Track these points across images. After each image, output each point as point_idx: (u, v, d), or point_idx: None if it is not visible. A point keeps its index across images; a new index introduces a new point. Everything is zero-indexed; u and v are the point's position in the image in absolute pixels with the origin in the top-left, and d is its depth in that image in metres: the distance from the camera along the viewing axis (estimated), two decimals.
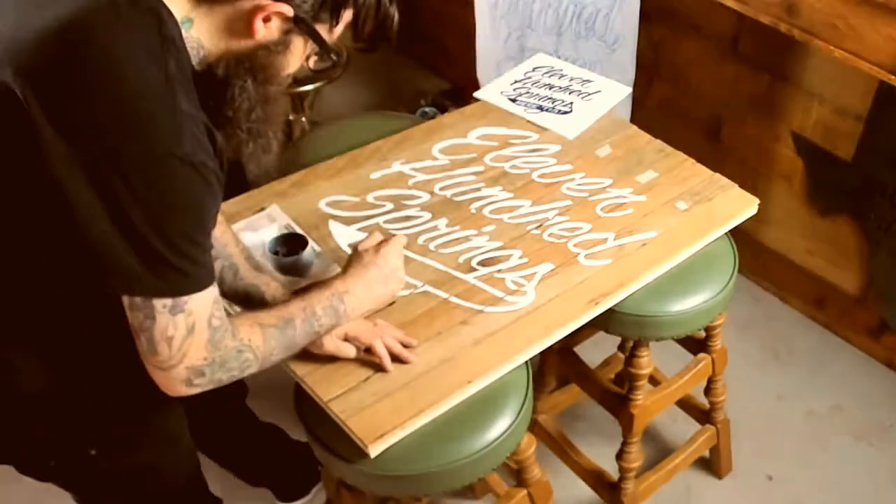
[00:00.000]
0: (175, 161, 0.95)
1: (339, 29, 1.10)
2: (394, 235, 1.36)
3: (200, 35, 1.03)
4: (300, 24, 1.05)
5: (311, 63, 1.15)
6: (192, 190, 0.99)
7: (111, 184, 0.94)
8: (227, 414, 1.75)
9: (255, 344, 1.14)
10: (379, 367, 1.32)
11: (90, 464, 1.27)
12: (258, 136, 1.12)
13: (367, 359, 1.33)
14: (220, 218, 1.36)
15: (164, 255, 0.98)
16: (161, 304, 1.01)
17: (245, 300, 1.36)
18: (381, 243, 1.34)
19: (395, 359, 1.34)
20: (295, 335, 1.20)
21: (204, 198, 1.01)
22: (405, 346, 1.36)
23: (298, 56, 1.11)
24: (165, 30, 0.97)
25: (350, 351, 1.32)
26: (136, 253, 0.97)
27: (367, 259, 1.31)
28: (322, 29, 1.08)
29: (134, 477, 1.36)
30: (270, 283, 1.37)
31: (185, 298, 1.02)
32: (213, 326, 1.07)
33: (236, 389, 1.75)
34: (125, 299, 1.02)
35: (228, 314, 1.12)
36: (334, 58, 1.13)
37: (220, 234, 1.34)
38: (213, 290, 1.06)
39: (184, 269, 1.01)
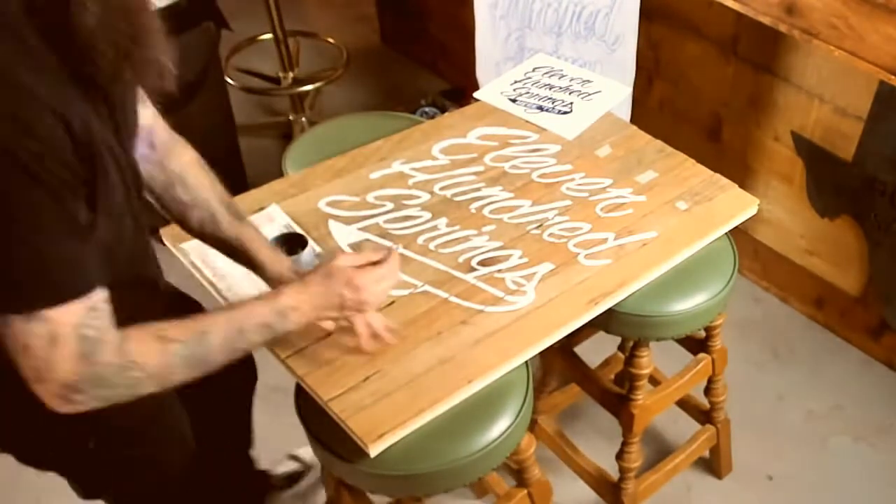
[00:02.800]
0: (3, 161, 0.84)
1: None
2: (380, 260, 1.26)
3: None
4: None
5: None
6: (24, 198, 0.86)
7: None
8: (224, 408, 1.73)
9: (144, 361, 1.02)
10: (381, 366, 1.32)
11: (89, 455, 1.27)
12: (130, 55, 0.95)
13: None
14: (194, 157, 1.28)
15: (5, 271, 0.89)
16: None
17: (229, 251, 1.29)
18: (360, 267, 1.23)
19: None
20: (209, 353, 1.08)
21: (39, 207, 0.88)
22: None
23: None
24: None
25: (327, 322, 1.28)
26: None
27: (335, 281, 1.20)
28: None
29: (133, 469, 1.35)
30: (255, 239, 1.29)
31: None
32: (83, 337, 0.95)
33: (242, 384, 1.73)
34: None
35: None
36: None
37: (193, 177, 1.27)
38: (87, 299, 0.95)
39: (30, 283, 0.90)
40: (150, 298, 1.30)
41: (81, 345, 0.96)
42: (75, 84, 0.94)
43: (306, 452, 2.11)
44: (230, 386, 1.65)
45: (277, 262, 1.32)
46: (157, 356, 1.04)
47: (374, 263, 1.26)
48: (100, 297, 0.98)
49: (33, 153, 0.86)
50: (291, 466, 2.11)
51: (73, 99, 0.93)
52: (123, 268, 1.14)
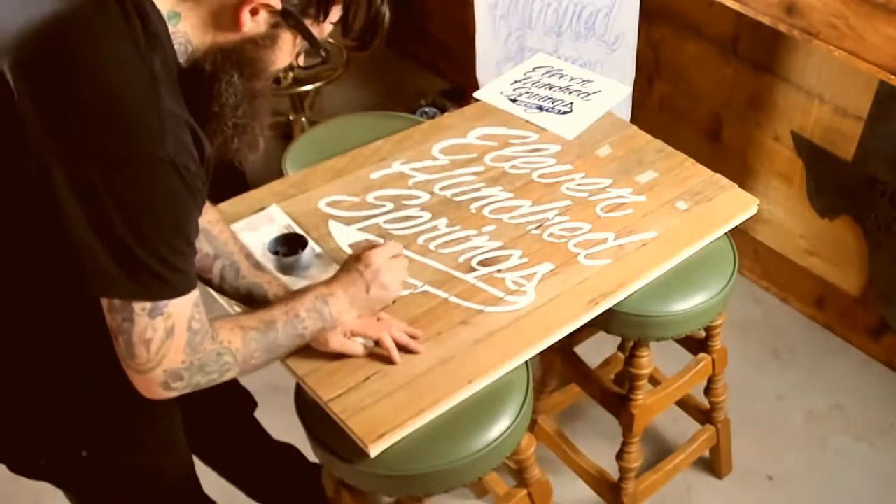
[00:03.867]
0: (156, 162, 0.94)
1: (328, 24, 1.09)
2: (389, 240, 1.36)
3: (187, 29, 1.02)
4: (288, 18, 1.03)
5: (301, 60, 1.14)
6: (173, 192, 0.97)
7: (93, 184, 0.92)
8: (233, 427, 1.74)
9: (234, 347, 1.13)
10: (381, 366, 1.32)
11: (82, 465, 1.27)
12: (244, 132, 1.09)
13: (376, 352, 1.34)
14: (217, 216, 1.35)
15: (143, 260, 0.97)
16: (140, 307, 1.00)
17: (247, 299, 1.35)
18: (369, 248, 1.33)
19: (404, 350, 1.34)
20: (277, 337, 1.19)
21: (184, 201, 0.99)
22: (412, 337, 1.36)
23: (287, 52, 1.09)
24: (151, 27, 0.96)
25: (357, 348, 1.33)
26: (113, 256, 0.96)
27: (350, 264, 1.31)
28: (311, 24, 1.06)
29: (126, 479, 1.36)
30: (272, 282, 1.36)
31: (163, 302, 1.01)
32: (192, 329, 1.05)
33: (242, 401, 1.74)
34: (104, 301, 1.01)
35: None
36: (323, 54, 1.11)
37: (218, 232, 1.34)
38: (193, 294, 1.05)
39: (162, 275, 0.99)
40: None
41: (191, 336, 1.06)
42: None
43: None
44: (229, 410, 1.69)
45: None
46: (241, 343, 1.14)
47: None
48: (198, 293, 1.07)
49: (186, 166, 0.97)
50: None
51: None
52: None
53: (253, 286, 1.35)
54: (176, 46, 1.01)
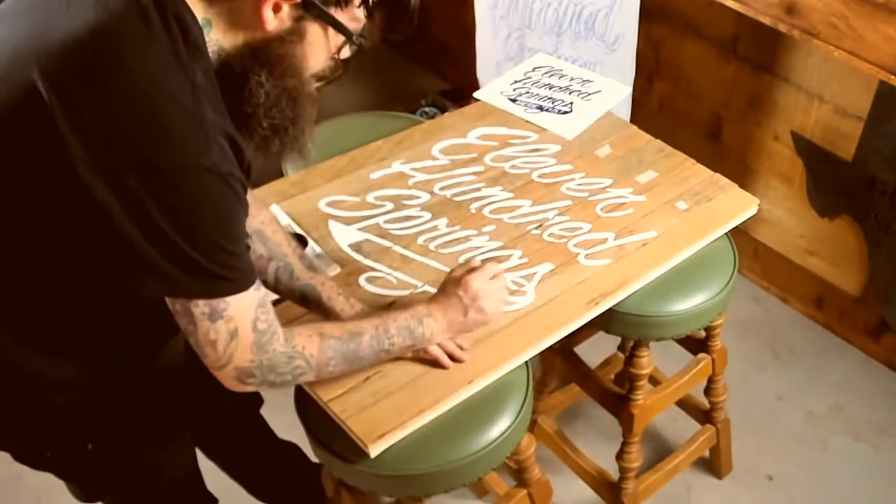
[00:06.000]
0: (202, 172, 0.95)
1: (360, 12, 1.07)
2: (488, 262, 1.36)
3: (218, 35, 1.02)
4: (310, 9, 1.02)
5: (343, 53, 1.13)
6: (220, 200, 0.98)
7: (139, 195, 0.93)
8: (238, 422, 1.75)
9: (308, 352, 1.14)
10: (381, 366, 1.32)
11: (87, 458, 1.28)
12: (284, 133, 1.09)
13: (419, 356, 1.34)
14: (270, 216, 1.37)
15: (197, 260, 0.98)
16: (200, 312, 1.02)
17: (302, 300, 1.36)
18: (469, 271, 1.34)
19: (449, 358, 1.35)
20: (359, 349, 1.21)
21: (232, 207, 1.00)
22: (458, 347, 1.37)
23: (321, 46, 1.09)
24: (192, 38, 0.96)
25: (444, 360, 1.34)
26: (170, 259, 0.97)
27: (450, 287, 1.32)
28: (337, 12, 1.05)
29: (130, 472, 1.37)
30: (325, 283, 1.37)
31: (222, 305, 1.03)
32: (258, 330, 1.07)
33: (248, 398, 1.74)
34: (170, 303, 1.04)
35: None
36: (358, 42, 1.09)
37: (271, 233, 1.35)
38: (254, 294, 1.06)
39: (217, 273, 1.01)
40: None
41: (257, 336, 1.07)
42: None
43: None
44: (235, 405, 1.68)
45: (349, 307, 1.37)
46: (317, 349, 1.16)
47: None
48: (263, 294, 1.09)
49: (231, 172, 0.99)
50: None
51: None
52: None
53: (307, 287, 1.36)
54: (210, 54, 1.01)
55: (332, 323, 1.22)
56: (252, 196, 1.32)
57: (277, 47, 1.04)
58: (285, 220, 1.59)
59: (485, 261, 1.37)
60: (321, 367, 1.17)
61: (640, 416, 1.78)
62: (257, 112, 1.06)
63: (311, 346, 1.15)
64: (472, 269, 1.34)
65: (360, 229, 1.59)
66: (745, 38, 2.32)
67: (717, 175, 1.73)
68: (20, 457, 1.28)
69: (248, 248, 1.08)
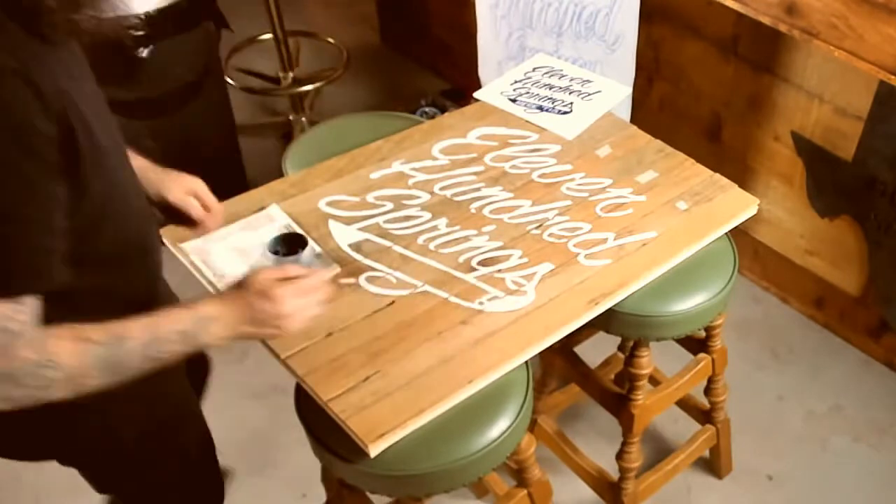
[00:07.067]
0: None
1: None
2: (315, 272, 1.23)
3: None
4: None
5: None
6: None
7: None
8: None
9: (63, 361, 0.98)
10: (381, 366, 1.32)
11: (121, 449, 1.27)
12: (83, 5, 0.96)
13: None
14: (145, 164, 1.27)
15: None
16: None
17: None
18: (284, 280, 1.18)
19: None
20: (126, 357, 1.04)
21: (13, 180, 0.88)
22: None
23: None
24: None
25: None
26: None
27: (254, 292, 1.15)
28: None
29: (158, 459, 1.36)
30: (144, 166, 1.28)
31: None
32: (4, 329, 0.93)
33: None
34: None
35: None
36: None
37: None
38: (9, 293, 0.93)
39: None
40: (151, 279, 1.29)
41: (2, 337, 0.94)
42: (40, 43, 0.94)
43: None
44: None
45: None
46: (76, 357, 1.00)
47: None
48: (28, 295, 0.97)
49: (20, 125, 0.86)
50: None
51: (39, 57, 0.93)
52: (132, 236, 1.15)
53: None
54: None
55: (97, 326, 1.03)
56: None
57: None
58: (285, 220, 1.59)
59: (310, 273, 1.22)
60: (77, 380, 1.00)
61: (640, 416, 1.78)
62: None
63: (67, 352, 0.98)
64: (287, 279, 1.18)
65: (360, 229, 1.59)
66: (745, 38, 2.32)
67: (717, 175, 1.73)
68: (21, 454, 1.28)
69: (54, 228, 0.94)
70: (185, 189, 1.36)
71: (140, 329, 1.05)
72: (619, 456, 1.87)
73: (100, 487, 1.41)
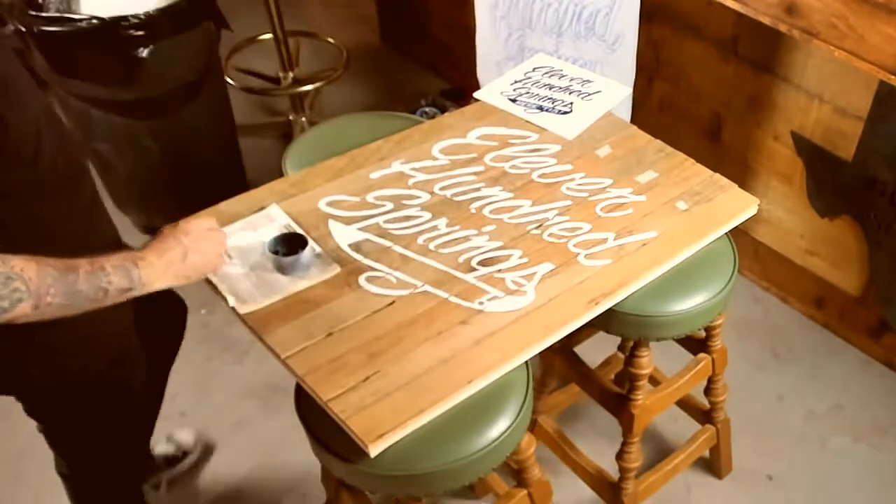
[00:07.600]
0: None
1: None
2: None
3: None
4: None
5: None
6: None
7: None
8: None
9: (27, 275, 1.08)
10: (381, 366, 1.32)
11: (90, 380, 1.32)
12: None
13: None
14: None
15: None
16: None
17: None
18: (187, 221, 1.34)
19: None
20: (77, 282, 1.15)
21: None
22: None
23: None
24: None
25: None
26: None
27: (167, 231, 1.31)
28: None
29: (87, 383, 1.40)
30: None
31: None
32: None
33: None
34: None
35: None
36: None
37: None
38: None
39: None
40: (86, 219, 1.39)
41: None
42: None
43: (187, 436, 2.16)
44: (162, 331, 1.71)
45: None
46: (36, 273, 1.09)
47: None
48: None
49: None
50: (170, 448, 2.13)
51: None
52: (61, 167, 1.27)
53: None
54: None
55: (43, 257, 1.14)
56: None
57: None
58: (285, 220, 1.59)
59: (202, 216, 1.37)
60: (40, 296, 1.10)
61: (640, 416, 1.78)
62: None
63: (29, 269, 1.09)
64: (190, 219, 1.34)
65: (360, 229, 1.59)
66: (745, 38, 2.32)
67: (717, 175, 1.73)
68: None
69: None
70: None
71: (85, 262, 1.17)
72: (619, 456, 1.87)
73: (38, 416, 1.42)
